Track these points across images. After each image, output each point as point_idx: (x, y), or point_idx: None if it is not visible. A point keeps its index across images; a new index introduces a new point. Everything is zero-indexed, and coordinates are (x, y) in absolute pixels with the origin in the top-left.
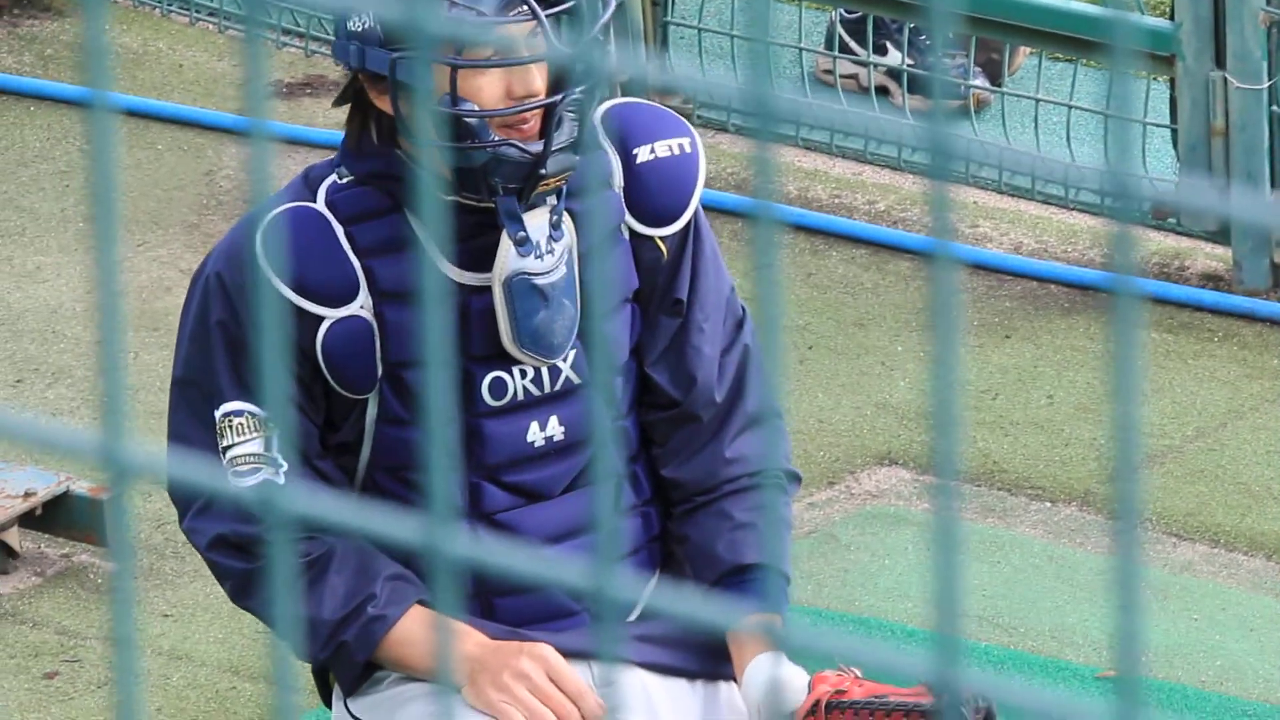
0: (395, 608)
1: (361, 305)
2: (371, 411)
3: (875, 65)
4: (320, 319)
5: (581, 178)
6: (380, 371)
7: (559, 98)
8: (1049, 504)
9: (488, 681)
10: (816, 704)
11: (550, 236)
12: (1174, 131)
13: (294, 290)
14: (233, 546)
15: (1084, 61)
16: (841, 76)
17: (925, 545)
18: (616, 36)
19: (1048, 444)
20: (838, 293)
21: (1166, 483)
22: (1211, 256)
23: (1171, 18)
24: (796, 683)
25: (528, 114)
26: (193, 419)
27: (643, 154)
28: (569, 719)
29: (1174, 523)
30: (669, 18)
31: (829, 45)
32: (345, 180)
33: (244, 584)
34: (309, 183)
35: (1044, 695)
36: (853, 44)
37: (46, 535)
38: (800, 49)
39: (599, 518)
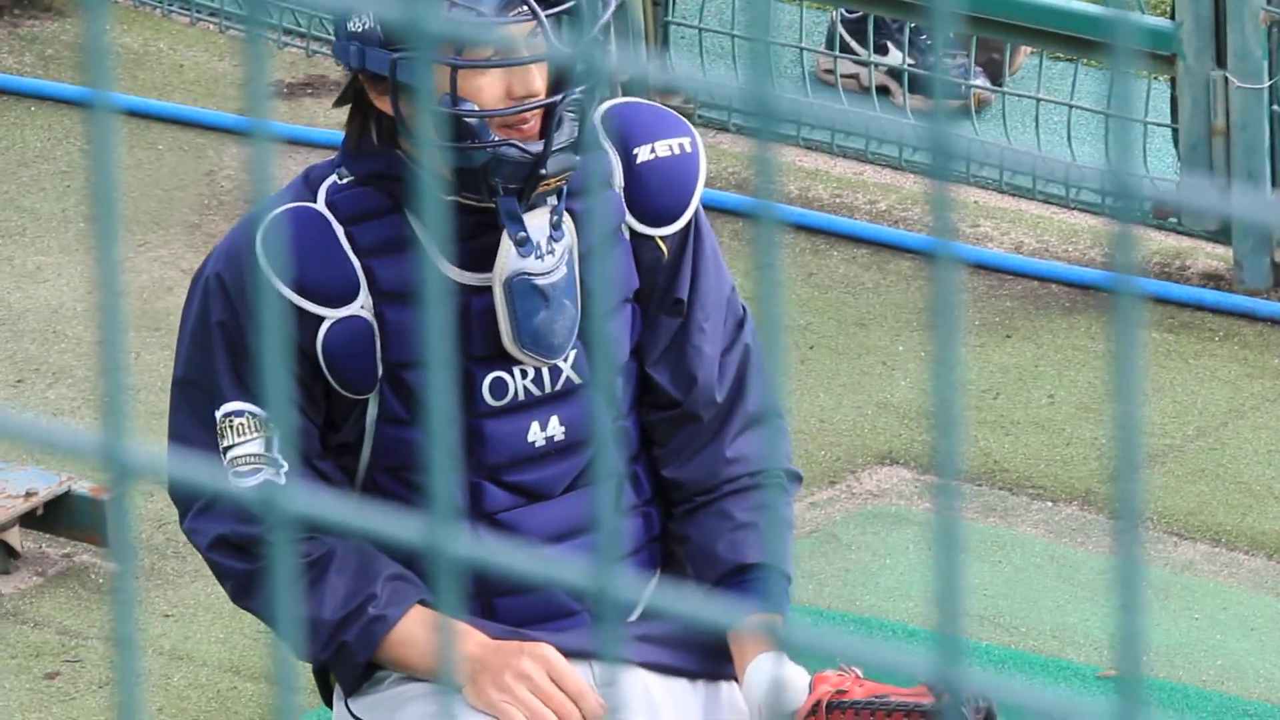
0: (396, 608)
1: (362, 305)
2: (372, 412)
3: (876, 65)
4: (320, 319)
5: (582, 178)
6: (380, 372)
7: (559, 98)
8: (1050, 503)
9: (489, 681)
10: (817, 704)
11: (551, 237)
12: (1175, 131)
13: (294, 290)
14: (233, 547)
15: (1085, 61)
16: (842, 76)
17: (926, 545)
18: (617, 36)
19: (1049, 443)
20: (839, 292)
21: (1167, 482)
22: (1212, 256)
23: (1172, 17)
24: (798, 683)
25: (528, 114)
26: (193, 419)
27: (643, 154)
28: (570, 719)
29: (1175, 522)
30: (670, 17)
31: (830, 45)
32: (345, 180)
33: (245, 584)
34: (309, 183)
35: (1045, 695)
36: (854, 44)
37: (48, 535)
38: (801, 49)
39: (600, 518)
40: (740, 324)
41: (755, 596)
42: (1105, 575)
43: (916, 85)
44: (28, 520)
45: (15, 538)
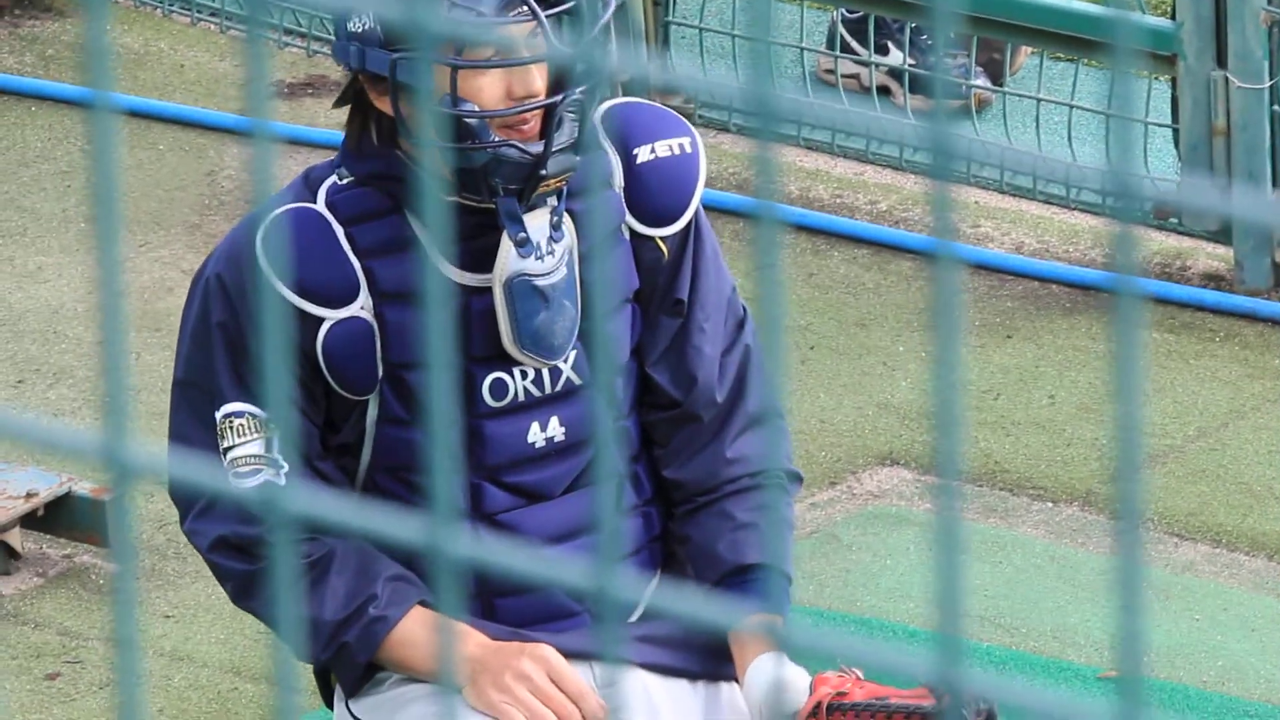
0: (396, 609)
1: (362, 306)
2: (372, 412)
3: (877, 65)
4: (321, 320)
5: (582, 178)
6: (381, 372)
7: (559, 98)
8: (1051, 504)
9: (489, 682)
10: (818, 705)
11: (551, 237)
12: (1175, 131)
13: (294, 291)
14: (234, 548)
15: (1085, 61)
16: (843, 76)
17: (927, 545)
18: (618, 36)
19: (1049, 444)
20: (839, 293)
21: (1168, 483)
22: (1213, 256)
23: (1173, 17)
24: (798, 683)
25: (528, 115)
26: (194, 420)
27: (643, 154)
28: None
29: (1175, 523)
30: (670, 17)
31: (830, 45)
32: (345, 181)
33: (245, 585)
34: (309, 183)
35: (1046, 696)
36: (854, 44)
37: (48, 536)
38: (802, 49)
39: (600, 518)
40: (741, 324)
41: (756, 597)
42: (1106, 576)
43: (917, 85)
44: (28, 521)
45: (16, 538)
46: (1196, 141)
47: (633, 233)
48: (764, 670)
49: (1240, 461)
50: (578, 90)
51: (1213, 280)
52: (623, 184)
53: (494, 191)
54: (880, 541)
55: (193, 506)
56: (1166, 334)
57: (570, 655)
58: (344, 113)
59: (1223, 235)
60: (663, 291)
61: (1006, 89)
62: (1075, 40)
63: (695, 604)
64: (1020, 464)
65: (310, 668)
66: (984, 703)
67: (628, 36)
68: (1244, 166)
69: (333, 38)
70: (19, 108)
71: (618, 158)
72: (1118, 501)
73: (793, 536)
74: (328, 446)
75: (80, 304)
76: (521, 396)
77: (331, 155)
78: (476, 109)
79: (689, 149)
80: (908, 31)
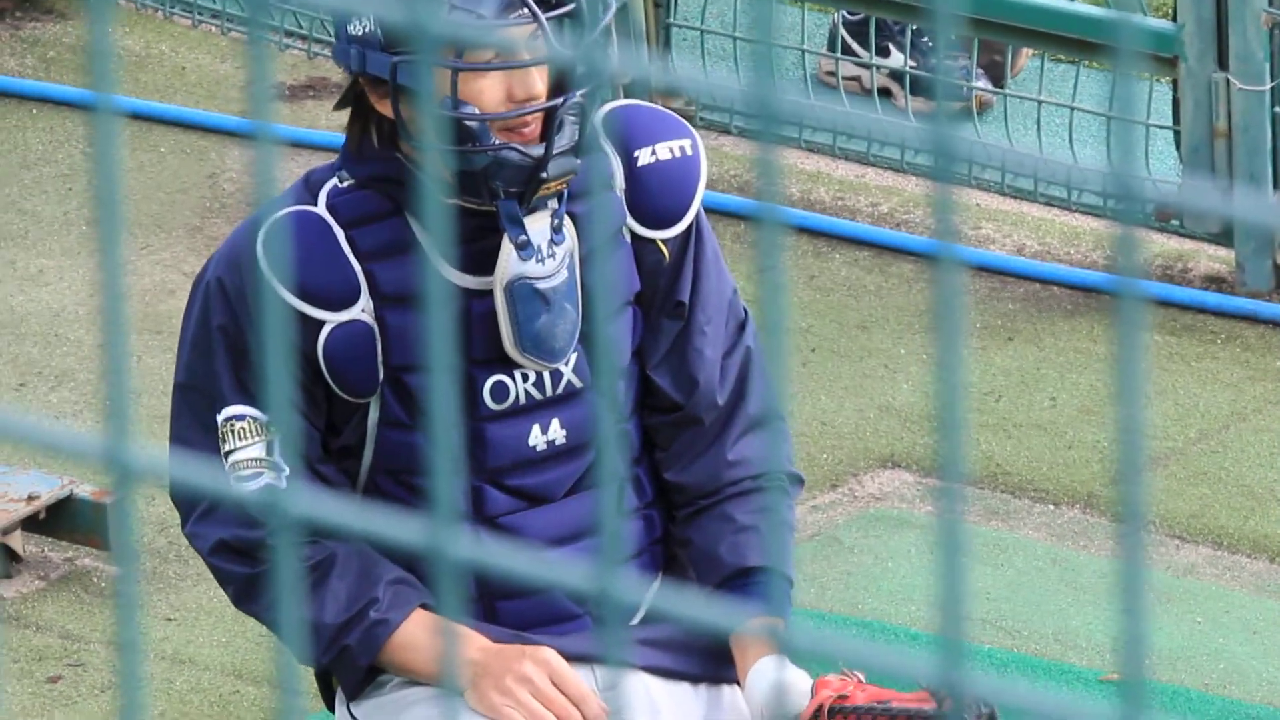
0: (398, 612)
1: (363, 309)
2: (373, 415)
3: (878, 67)
4: (321, 323)
5: (583, 180)
6: (382, 375)
7: (560, 101)
8: (1052, 506)
9: (490, 685)
10: (820, 708)
11: (551, 240)
12: (1177, 133)
13: (295, 294)
14: (235, 551)
15: (1087, 63)
16: (844, 78)
17: (929, 548)
18: (619, 38)
19: (1051, 446)
20: (841, 295)
21: (1169, 485)
22: (1214, 258)
23: (1174, 19)
24: (800, 686)
25: (529, 117)
26: (195, 424)
27: (644, 156)
28: None
29: (1177, 525)
30: (671, 19)
31: (831, 47)
32: (346, 184)
33: (247, 589)
34: (310, 186)
35: (1048, 699)
36: (855, 46)
37: (50, 539)
38: (803, 51)
39: (602, 521)
40: (742, 326)
41: (757, 600)
42: (1108, 579)
43: (918, 87)
44: (30, 524)
45: (17, 541)
46: (1198, 143)
47: (634, 235)
48: (765, 673)
49: (1242, 464)
50: (578, 93)
51: (1214, 282)
52: (624, 186)
53: (495, 194)
54: (882, 544)
55: (194, 510)
56: (1168, 336)
57: (572, 658)
58: (345, 115)
59: (1224, 237)
60: (664, 294)
61: (1008, 91)
62: (1076, 42)
63: (697, 607)
64: (1022, 466)
65: (312, 670)
66: (986, 705)
67: (629, 38)
68: (1245, 168)
69: (334, 40)
70: (20, 110)
71: (618, 160)
72: (1119, 504)
73: (794, 539)
74: (329, 449)
75: (82, 307)
76: (522, 399)
77: (332, 158)
78: (477, 112)
79: (690, 151)
80: (909, 34)
